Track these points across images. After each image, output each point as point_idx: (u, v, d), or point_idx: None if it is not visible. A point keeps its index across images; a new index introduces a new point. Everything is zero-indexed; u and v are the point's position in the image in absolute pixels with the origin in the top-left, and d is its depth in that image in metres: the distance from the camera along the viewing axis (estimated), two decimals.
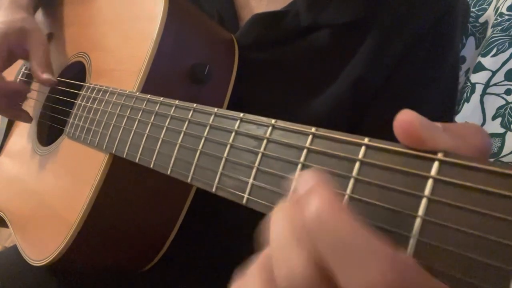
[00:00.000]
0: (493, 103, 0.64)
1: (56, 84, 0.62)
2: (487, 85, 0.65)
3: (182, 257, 0.62)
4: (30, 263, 0.54)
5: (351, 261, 0.18)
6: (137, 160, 0.41)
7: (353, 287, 0.18)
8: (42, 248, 0.53)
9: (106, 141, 0.47)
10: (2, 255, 0.67)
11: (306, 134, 0.26)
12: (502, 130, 0.62)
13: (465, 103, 0.67)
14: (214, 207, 0.58)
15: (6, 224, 0.68)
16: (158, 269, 0.59)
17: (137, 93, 0.45)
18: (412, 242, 0.20)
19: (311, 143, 0.26)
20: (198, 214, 0.57)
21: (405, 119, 0.21)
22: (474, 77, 0.67)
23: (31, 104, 0.72)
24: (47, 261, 0.51)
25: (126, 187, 0.50)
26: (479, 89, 0.66)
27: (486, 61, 0.66)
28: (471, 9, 0.71)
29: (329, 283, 0.19)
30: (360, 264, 0.18)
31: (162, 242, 0.56)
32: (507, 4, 0.66)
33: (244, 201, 0.29)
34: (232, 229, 0.60)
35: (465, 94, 0.67)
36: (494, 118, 0.64)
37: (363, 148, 0.23)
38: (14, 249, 0.63)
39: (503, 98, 0.64)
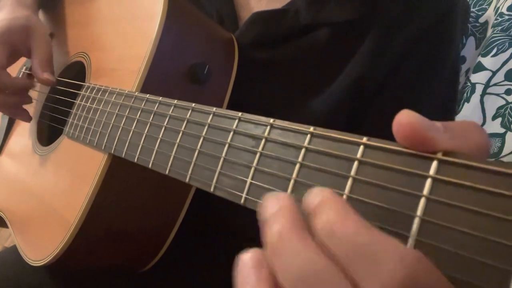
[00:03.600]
0: (493, 103, 0.64)
1: (56, 84, 0.61)
2: (487, 85, 0.65)
3: (181, 257, 0.62)
4: (29, 263, 0.54)
5: (362, 264, 0.18)
6: (135, 160, 0.41)
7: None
8: (41, 248, 0.53)
9: (105, 141, 0.46)
10: (2, 255, 0.67)
11: (305, 134, 0.26)
12: (502, 130, 0.62)
13: (465, 103, 0.67)
14: (213, 207, 0.58)
15: (6, 224, 0.68)
16: (158, 269, 0.59)
17: (136, 92, 0.44)
18: (410, 242, 0.20)
19: (309, 143, 0.26)
20: (198, 214, 0.57)
21: (405, 121, 0.20)
22: (474, 77, 0.66)
23: (32, 104, 0.72)
24: (46, 261, 0.51)
25: (125, 186, 0.50)
26: (479, 89, 0.66)
27: (486, 61, 0.66)
28: (471, 9, 0.71)
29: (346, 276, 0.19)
30: (371, 266, 0.18)
31: (161, 242, 0.55)
32: (507, 4, 0.66)
33: (242, 200, 0.29)
34: (232, 229, 0.60)
35: (465, 94, 0.67)
36: (494, 118, 0.64)
37: (361, 147, 0.23)
38: (14, 249, 0.62)
39: (503, 98, 0.64)
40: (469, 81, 0.67)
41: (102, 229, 0.50)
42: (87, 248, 0.51)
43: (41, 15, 0.77)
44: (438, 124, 0.21)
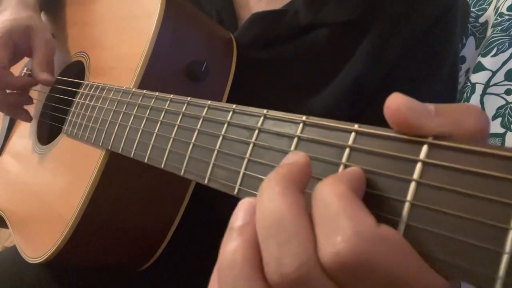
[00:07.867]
0: (493, 103, 0.64)
1: (53, 83, 0.62)
2: (487, 85, 0.65)
3: (180, 255, 0.62)
4: (27, 260, 0.54)
5: (326, 221, 0.19)
6: (132, 155, 0.41)
7: (323, 248, 0.18)
8: (39, 246, 0.52)
9: (102, 138, 0.47)
10: (2, 255, 0.66)
11: (297, 123, 0.26)
12: (502, 130, 0.62)
13: (465, 103, 0.66)
14: (212, 206, 0.58)
15: (6, 225, 0.68)
16: (156, 268, 0.58)
17: (133, 89, 0.45)
18: (401, 227, 0.20)
19: (301, 131, 0.26)
20: (196, 212, 0.56)
21: (393, 105, 0.20)
22: (474, 77, 0.66)
23: (32, 104, 0.72)
24: (44, 259, 0.50)
25: (123, 184, 0.50)
26: (479, 89, 0.65)
27: (486, 61, 0.65)
28: (471, 9, 0.71)
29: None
30: (332, 225, 0.18)
31: (159, 240, 0.55)
32: (507, 4, 0.66)
33: (236, 191, 0.28)
34: None
35: (465, 94, 0.66)
36: (494, 118, 0.63)
37: (352, 134, 0.23)
38: (14, 249, 0.62)
39: (503, 98, 0.63)
40: (469, 81, 0.67)
41: (99, 226, 0.50)
42: (84, 246, 0.51)
43: (42, 16, 0.78)
44: (430, 106, 0.20)
